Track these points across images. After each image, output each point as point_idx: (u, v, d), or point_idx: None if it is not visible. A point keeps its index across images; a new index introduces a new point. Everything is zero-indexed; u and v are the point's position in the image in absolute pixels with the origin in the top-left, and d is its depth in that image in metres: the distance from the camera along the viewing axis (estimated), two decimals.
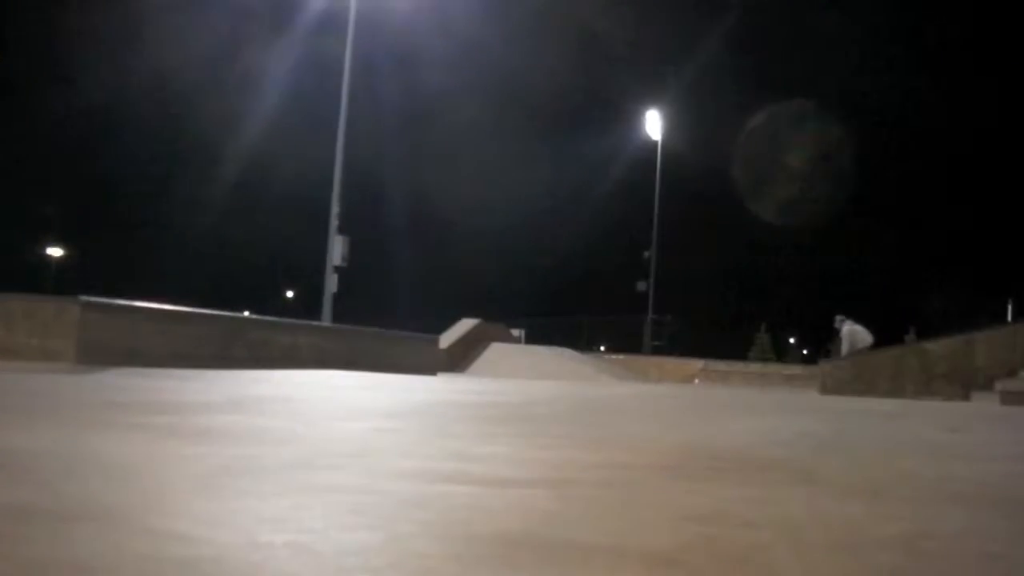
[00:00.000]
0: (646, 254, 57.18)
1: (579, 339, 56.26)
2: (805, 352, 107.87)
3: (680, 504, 3.33)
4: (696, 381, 43.20)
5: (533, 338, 52.94)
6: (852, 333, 26.65)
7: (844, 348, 26.60)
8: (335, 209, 32.23)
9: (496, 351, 39.48)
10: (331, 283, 32.10)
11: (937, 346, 21.93)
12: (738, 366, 49.47)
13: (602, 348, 58.19)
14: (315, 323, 25.82)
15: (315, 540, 2.41)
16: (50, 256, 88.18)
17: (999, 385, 18.75)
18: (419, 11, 37.01)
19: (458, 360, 36.32)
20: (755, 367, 51.20)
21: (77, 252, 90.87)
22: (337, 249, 32.03)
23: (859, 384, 22.04)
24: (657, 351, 55.99)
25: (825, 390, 22.69)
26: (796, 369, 48.62)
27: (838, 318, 27.60)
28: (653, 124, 59.09)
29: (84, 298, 12.55)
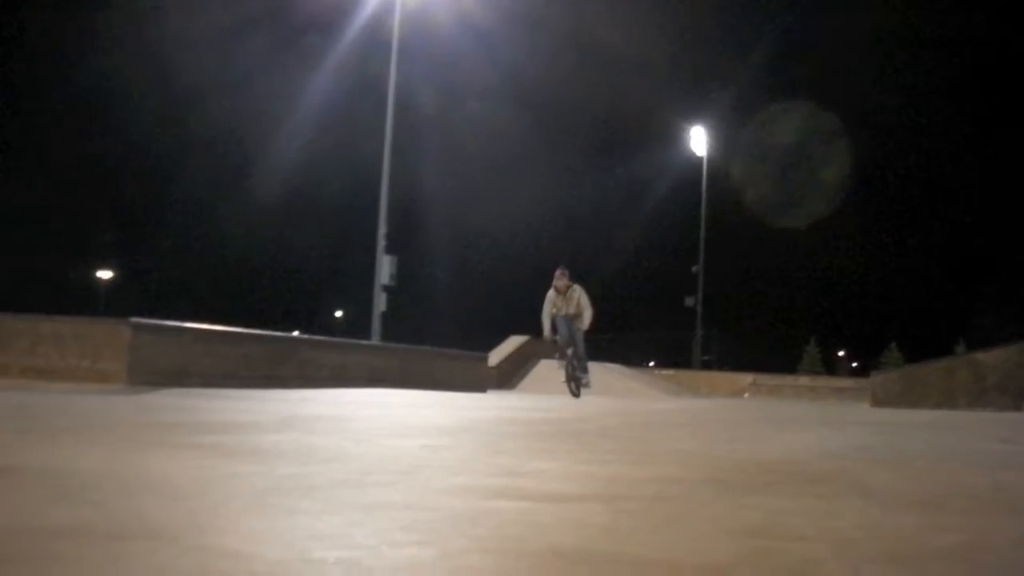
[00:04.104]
0: (694, 269, 57.08)
1: (629, 355, 56.29)
2: (854, 365, 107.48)
3: (732, 517, 3.30)
4: (746, 395, 43.09)
5: None
6: None
7: None
8: (382, 229, 32.37)
9: (545, 368, 39.39)
10: (379, 302, 32.21)
11: (988, 357, 21.74)
12: (788, 380, 49.34)
13: (652, 363, 58.15)
14: (364, 342, 25.90)
15: (366, 556, 2.40)
16: (100, 279, 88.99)
17: None
18: (461, 35, 37.17)
19: (508, 377, 36.34)
20: (805, 380, 51.03)
21: (127, 274, 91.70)
22: (385, 268, 32.16)
23: (910, 396, 21.89)
24: (706, 366, 55.95)
25: (876, 402, 22.55)
26: (846, 382, 48.45)
27: None
28: (698, 140, 59.05)
29: (134, 320, 12.63)
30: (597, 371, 36.05)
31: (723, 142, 62.51)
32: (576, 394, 19.25)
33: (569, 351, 19.39)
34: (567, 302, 19.47)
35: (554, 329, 19.57)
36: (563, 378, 19.73)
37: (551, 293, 19.57)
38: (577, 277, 19.37)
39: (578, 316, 19.52)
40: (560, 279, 19.52)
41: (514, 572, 2.34)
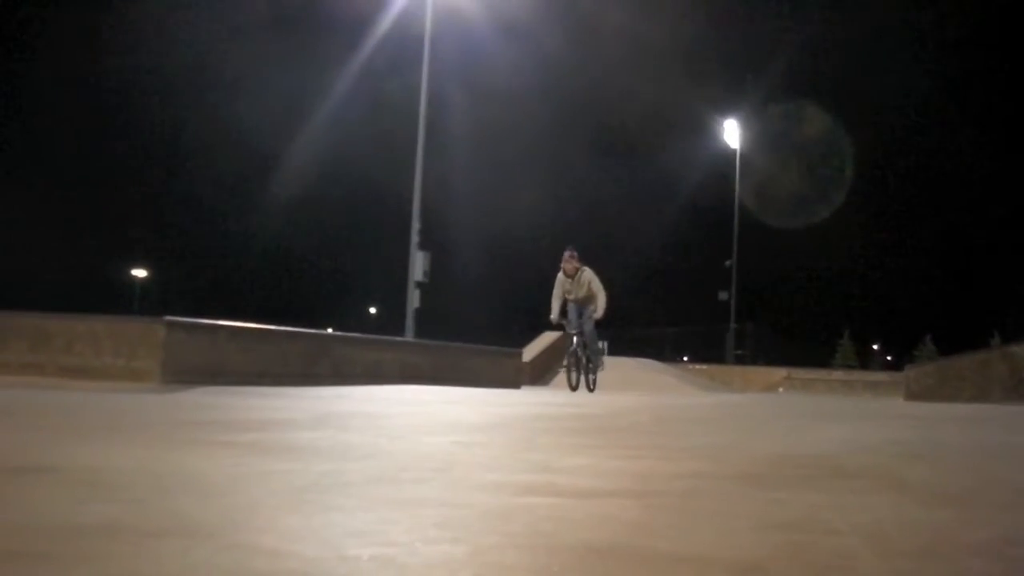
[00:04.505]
0: (727, 263, 56.96)
1: (662, 350, 56.16)
2: (888, 358, 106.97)
3: (765, 512, 3.30)
4: (780, 390, 42.97)
5: (616, 350, 52.82)
6: None
7: None
8: (415, 225, 32.40)
9: None
10: (413, 299, 32.25)
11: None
12: (822, 374, 49.16)
13: (685, 358, 58.00)
14: (398, 339, 25.94)
15: (401, 553, 2.41)
16: (134, 277, 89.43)
17: None
18: (492, 28, 37.15)
19: (541, 373, 36.33)
20: (839, 375, 50.80)
21: (161, 273, 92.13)
22: (418, 265, 32.21)
23: (945, 390, 21.77)
24: (740, 360, 55.78)
25: (910, 396, 22.45)
26: (880, 376, 48.24)
27: None
28: (732, 133, 58.90)
29: (169, 318, 12.68)
30: (630, 366, 36.05)
31: (754, 136, 62.28)
32: (574, 387, 18.62)
33: (575, 339, 18.80)
34: (577, 286, 18.62)
35: (564, 313, 18.86)
36: (566, 364, 19.36)
37: (560, 276, 18.78)
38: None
39: (589, 302, 18.72)
40: (568, 261, 18.64)
41: (547, 568, 2.35)
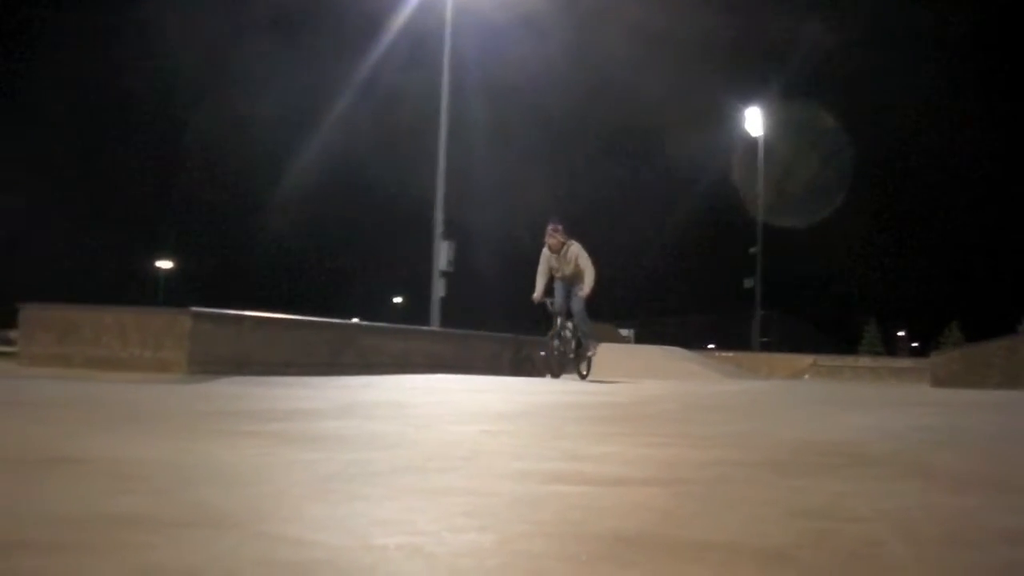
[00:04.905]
0: (752, 250, 56.78)
1: (688, 337, 56.10)
2: (914, 344, 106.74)
3: (792, 500, 3.28)
4: (806, 377, 42.82)
5: (642, 337, 52.82)
6: None
7: None
8: (439, 215, 32.41)
9: (605, 351, 39.39)
10: (438, 288, 32.28)
11: None
12: (848, 361, 48.96)
13: (711, 346, 57.88)
14: (424, 328, 25.95)
15: (428, 542, 2.41)
16: (160, 268, 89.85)
17: None
18: (512, 20, 37.10)
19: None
20: (865, 361, 50.60)
21: (186, 264, 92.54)
22: (443, 254, 32.22)
23: (971, 376, 21.65)
24: (766, 347, 55.66)
25: (937, 383, 22.33)
26: (906, 362, 48.06)
27: None
28: (754, 121, 58.75)
29: (194, 308, 12.71)
30: (655, 354, 35.99)
31: (776, 124, 62.03)
32: (556, 374, 17.27)
33: (558, 320, 17.28)
34: (564, 262, 17.11)
35: (549, 292, 17.37)
36: (546, 350, 17.76)
37: (545, 251, 17.27)
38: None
39: (577, 279, 17.17)
40: (552, 235, 17.14)
41: (575, 556, 2.34)
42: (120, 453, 4.13)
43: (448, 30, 33.00)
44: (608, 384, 14.96)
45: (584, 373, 17.72)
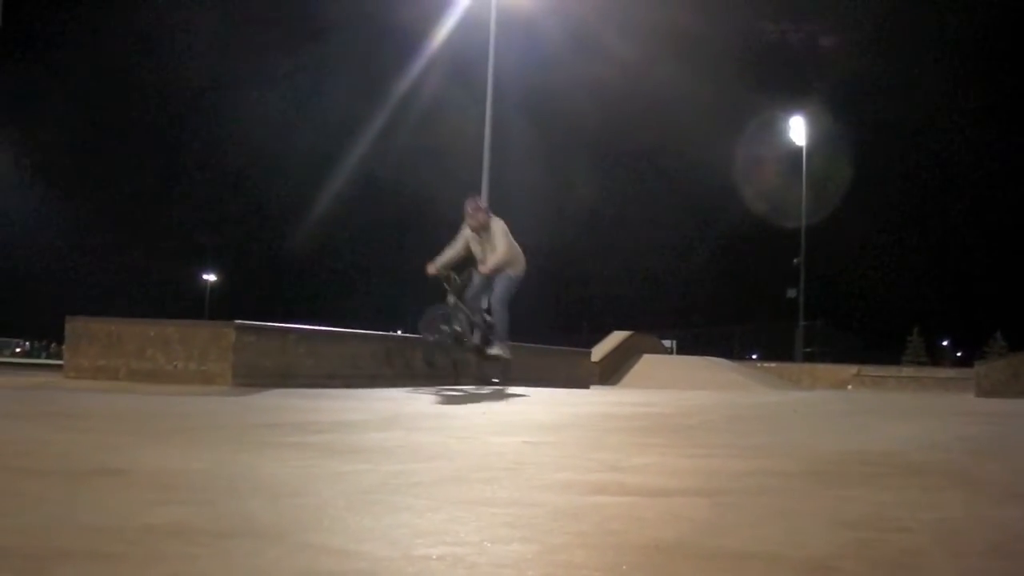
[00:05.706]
0: (796, 261, 56.58)
1: (731, 348, 55.98)
2: (959, 354, 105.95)
3: (834, 510, 3.28)
4: (849, 387, 42.65)
5: (685, 348, 52.74)
6: None
7: None
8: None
9: (648, 362, 39.37)
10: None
11: None
12: (892, 371, 48.77)
13: (754, 356, 57.72)
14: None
15: (470, 553, 2.42)
16: (205, 282, 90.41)
17: None
18: (553, 26, 37.16)
19: (610, 372, 36.30)
20: (909, 371, 50.41)
21: (233, 278, 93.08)
22: None
23: (1017, 385, 21.48)
24: (809, 358, 55.40)
25: (981, 393, 22.17)
26: (950, 372, 47.79)
27: None
28: (798, 130, 58.59)
29: (238, 321, 12.77)
30: (699, 365, 35.91)
31: (820, 133, 61.79)
32: (431, 362, 14.24)
33: (451, 300, 14.08)
34: (487, 246, 14.01)
35: (456, 272, 14.21)
36: (424, 330, 14.19)
37: (467, 232, 14.11)
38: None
39: (505, 265, 13.93)
40: (474, 216, 14.02)
41: (616, 567, 2.34)
42: (164, 464, 4.16)
43: (492, 42, 33.02)
44: (650, 395, 14.93)
45: (498, 380, 14.46)
